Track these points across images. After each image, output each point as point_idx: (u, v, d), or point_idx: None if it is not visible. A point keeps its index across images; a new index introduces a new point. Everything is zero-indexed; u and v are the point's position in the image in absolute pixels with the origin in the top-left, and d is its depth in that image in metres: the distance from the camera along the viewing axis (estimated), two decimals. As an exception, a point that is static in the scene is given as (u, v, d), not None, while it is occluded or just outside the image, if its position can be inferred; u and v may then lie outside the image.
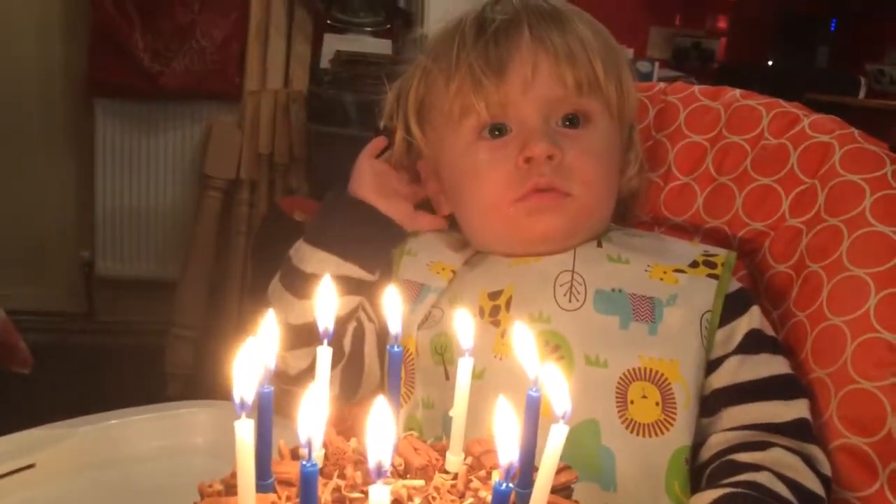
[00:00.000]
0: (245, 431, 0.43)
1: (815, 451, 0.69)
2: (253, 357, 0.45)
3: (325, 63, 2.56)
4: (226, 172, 2.63)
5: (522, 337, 0.49)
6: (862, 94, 2.74)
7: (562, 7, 0.81)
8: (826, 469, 0.68)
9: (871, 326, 0.71)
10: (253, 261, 2.51)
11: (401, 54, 2.52)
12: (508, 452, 0.40)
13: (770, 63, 3.19)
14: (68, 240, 2.83)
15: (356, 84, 2.46)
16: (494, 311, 0.75)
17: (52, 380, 2.19)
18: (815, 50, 3.11)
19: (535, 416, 0.49)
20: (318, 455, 0.51)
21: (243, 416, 0.43)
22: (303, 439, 0.40)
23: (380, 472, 0.38)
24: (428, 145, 0.83)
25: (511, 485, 0.39)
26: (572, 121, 0.77)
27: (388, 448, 0.38)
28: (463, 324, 0.53)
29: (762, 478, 0.64)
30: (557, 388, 0.45)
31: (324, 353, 0.51)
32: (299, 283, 0.78)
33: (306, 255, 0.79)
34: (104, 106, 2.70)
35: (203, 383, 2.36)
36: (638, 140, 0.85)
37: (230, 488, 0.48)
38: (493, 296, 0.76)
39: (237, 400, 0.43)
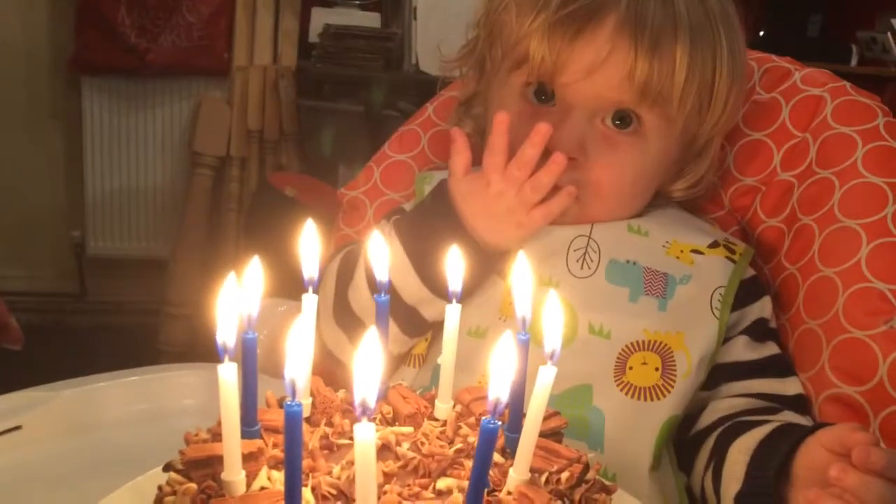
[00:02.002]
0: (228, 374, 0.42)
1: None
2: (236, 301, 0.44)
3: (313, 37, 2.53)
4: (215, 149, 2.61)
5: (521, 275, 0.49)
6: (854, 62, 2.72)
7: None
8: None
9: (863, 276, 0.71)
10: (245, 237, 2.50)
11: (389, 27, 2.49)
12: (497, 389, 0.39)
13: (762, 34, 3.17)
14: (58, 220, 2.81)
15: (345, 58, 2.44)
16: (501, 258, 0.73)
17: (45, 360, 2.17)
18: (807, 19, 3.09)
19: (523, 360, 0.48)
20: (305, 403, 0.51)
21: (226, 359, 0.42)
22: (287, 380, 0.39)
23: (365, 410, 0.37)
24: (488, 72, 0.79)
25: (498, 422, 0.38)
26: (623, 120, 0.72)
27: (374, 384, 0.38)
28: (454, 265, 0.52)
29: (795, 421, 0.65)
30: (552, 322, 0.44)
31: (308, 301, 0.51)
32: (399, 311, 0.71)
33: (426, 301, 0.71)
34: (91, 84, 2.66)
35: (196, 361, 2.35)
36: (712, 160, 0.78)
37: (216, 437, 0.47)
38: None
39: (219, 343, 0.43)
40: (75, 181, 2.76)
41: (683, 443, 0.72)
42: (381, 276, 0.53)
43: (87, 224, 2.75)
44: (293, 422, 0.38)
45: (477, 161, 0.73)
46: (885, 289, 0.70)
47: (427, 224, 0.72)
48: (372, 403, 0.38)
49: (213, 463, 0.44)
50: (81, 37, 2.59)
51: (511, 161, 0.69)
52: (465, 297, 0.54)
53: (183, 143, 2.71)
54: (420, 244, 0.71)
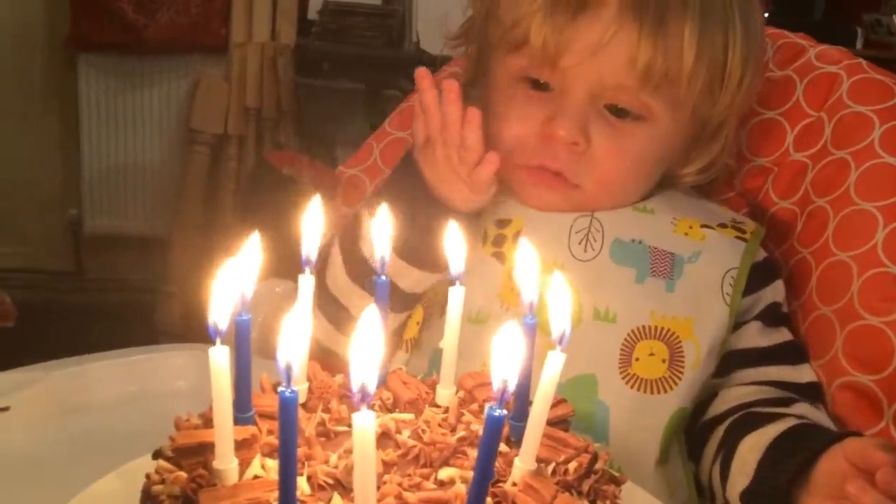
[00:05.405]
0: (220, 357, 0.40)
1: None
2: (232, 282, 0.42)
3: (312, 14, 2.49)
4: (213, 127, 2.58)
5: (526, 259, 0.46)
6: (859, 45, 2.70)
7: None
8: None
9: (879, 261, 0.69)
10: (242, 217, 2.47)
11: (390, 3, 2.45)
12: (503, 374, 0.37)
13: (766, 15, 3.14)
14: (55, 198, 2.78)
15: (344, 35, 2.40)
16: (499, 241, 0.71)
17: (41, 339, 2.16)
18: (813, 1, 3.06)
19: (530, 345, 0.46)
20: (301, 388, 0.49)
21: (218, 342, 0.40)
22: (281, 365, 0.37)
23: (364, 396, 0.35)
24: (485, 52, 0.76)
25: (504, 411, 0.36)
26: (620, 113, 0.69)
27: (373, 369, 0.35)
28: (454, 243, 0.50)
29: (810, 415, 0.64)
30: (559, 307, 0.42)
31: (306, 282, 0.48)
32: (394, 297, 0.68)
33: (400, 272, 0.69)
34: (87, 61, 2.63)
35: (193, 341, 2.33)
36: (725, 142, 0.75)
37: (208, 422, 0.45)
38: (501, 224, 0.72)
39: (211, 325, 0.40)
40: (72, 159, 2.73)
41: (693, 430, 0.70)
42: (380, 253, 0.51)
43: (83, 202, 2.73)
44: (288, 408, 0.36)
45: None
46: (902, 273, 0.68)
47: (396, 192, 0.70)
48: (372, 389, 0.36)
49: (205, 450, 0.42)
50: (77, 13, 2.55)
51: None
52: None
53: (180, 121, 2.67)
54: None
